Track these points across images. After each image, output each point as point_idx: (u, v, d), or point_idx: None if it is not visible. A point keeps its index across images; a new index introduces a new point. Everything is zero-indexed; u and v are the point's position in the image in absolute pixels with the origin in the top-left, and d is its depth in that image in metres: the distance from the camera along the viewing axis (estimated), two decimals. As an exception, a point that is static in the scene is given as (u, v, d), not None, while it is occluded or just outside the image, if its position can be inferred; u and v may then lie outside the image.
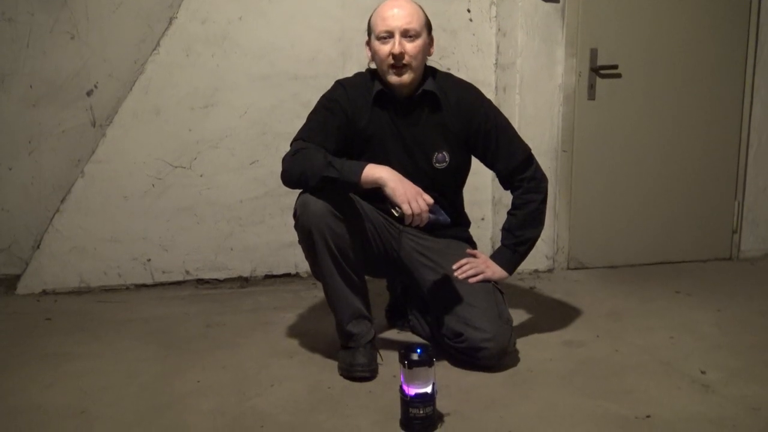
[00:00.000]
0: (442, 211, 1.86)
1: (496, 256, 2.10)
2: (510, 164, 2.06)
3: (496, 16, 3.09)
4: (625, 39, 3.03)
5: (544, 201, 2.10)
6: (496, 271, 2.06)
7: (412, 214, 1.75)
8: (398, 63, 1.92)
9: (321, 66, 2.91)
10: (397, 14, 1.93)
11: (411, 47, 1.92)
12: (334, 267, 1.87)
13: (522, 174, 2.06)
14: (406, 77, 1.94)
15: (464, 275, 2.01)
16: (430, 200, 1.79)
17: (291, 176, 1.87)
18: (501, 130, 2.06)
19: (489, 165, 2.12)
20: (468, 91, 2.08)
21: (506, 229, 2.10)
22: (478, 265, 2.05)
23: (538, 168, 2.10)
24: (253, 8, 2.82)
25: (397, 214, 1.80)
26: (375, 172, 1.79)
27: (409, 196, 1.76)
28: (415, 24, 1.93)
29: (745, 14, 3.17)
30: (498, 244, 2.15)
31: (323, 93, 2.06)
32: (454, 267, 2.03)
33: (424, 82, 2.01)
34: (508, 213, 2.11)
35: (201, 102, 2.83)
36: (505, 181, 2.11)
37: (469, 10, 3.06)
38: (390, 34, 1.93)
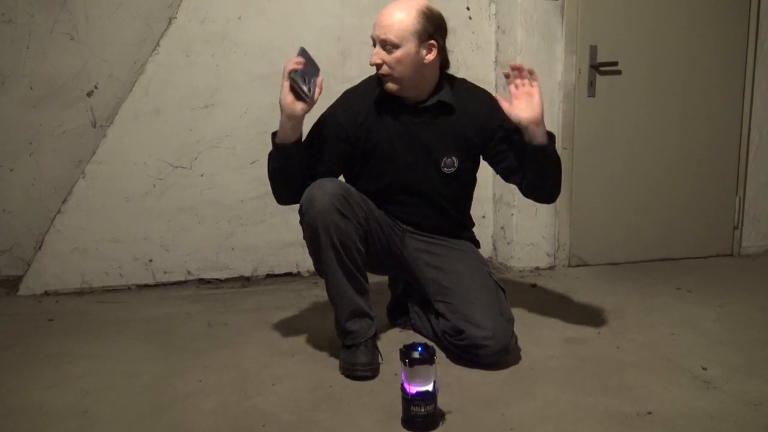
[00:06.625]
0: (311, 81, 1.86)
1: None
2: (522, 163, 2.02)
3: (495, 14, 3.09)
4: (625, 36, 3.03)
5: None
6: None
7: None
8: (378, 72, 1.94)
9: (320, 65, 2.87)
10: (380, 23, 1.92)
11: (389, 58, 1.91)
12: (337, 264, 1.88)
13: None
14: (391, 86, 1.95)
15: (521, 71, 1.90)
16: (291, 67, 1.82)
17: (272, 192, 2.00)
18: (516, 134, 2.02)
19: (498, 164, 2.07)
20: (484, 100, 2.06)
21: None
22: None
23: None
24: (252, 7, 2.82)
25: (303, 86, 1.83)
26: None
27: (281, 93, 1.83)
28: (392, 35, 1.89)
29: (745, 10, 3.17)
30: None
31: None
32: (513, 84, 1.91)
33: (440, 90, 2.00)
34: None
35: (201, 102, 2.83)
36: (516, 177, 2.05)
37: (468, 8, 3.06)
38: (374, 43, 1.94)
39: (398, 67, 1.91)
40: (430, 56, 1.95)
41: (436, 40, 1.94)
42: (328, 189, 1.85)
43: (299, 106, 1.83)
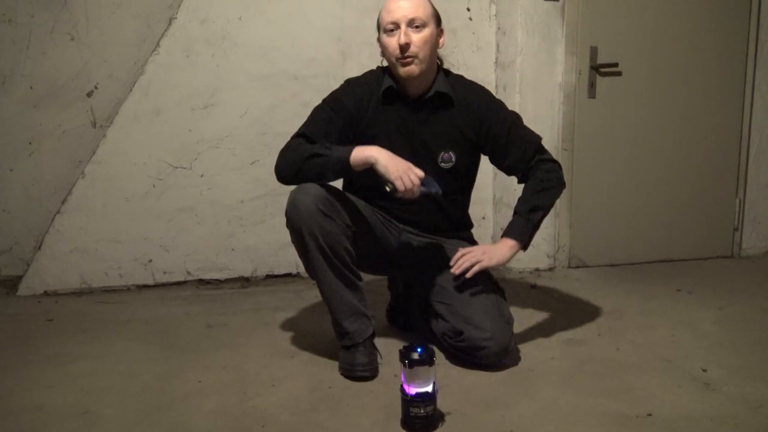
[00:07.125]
0: (434, 182, 1.85)
1: (508, 229, 2.02)
2: (523, 158, 2.03)
3: (495, 15, 3.09)
4: (626, 37, 3.03)
5: (561, 178, 2.06)
6: (495, 256, 1.98)
7: (405, 190, 1.79)
8: (405, 54, 1.91)
9: (321, 65, 2.91)
10: (402, 5, 1.92)
11: (417, 38, 1.91)
12: (326, 265, 1.87)
13: (535, 158, 2.04)
14: (415, 68, 1.93)
15: (460, 270, 1.95)
16: (421, 173, 1.81)
17: (281, 167, 1.91)
18: (513, 129, 2.04)
19: (499, 161, 2.09)
20: (480, 94, 2.07)
21: (520, 198, 2.03)
22: (474, 255, 1.97)
23: (550, 155, 2.08)
24: (252, 8, 2.82)
25: (389, 190, 1.82)
26: (365, 151, 1.83)
27: (400, 171, 1.79)
28: (420, 13, 1.91)
29: (745, 11, 3.17)
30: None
31: (323, 92, 2.05)
32: (451, 263, 1.99)
33: (436, 81, 2.01)
34: (524, 184, 2.07)
35: (201, 102, 2.83)
36: (518, 173, 2.07)
37: (468, 9, 3.06)
38: (396, 26, 1.92)
39: (425, 47, 1.93)
40: (442, 40, 2.01)
41: (442, 27, 2.01)
42: (311, 191, 1.84)
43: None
